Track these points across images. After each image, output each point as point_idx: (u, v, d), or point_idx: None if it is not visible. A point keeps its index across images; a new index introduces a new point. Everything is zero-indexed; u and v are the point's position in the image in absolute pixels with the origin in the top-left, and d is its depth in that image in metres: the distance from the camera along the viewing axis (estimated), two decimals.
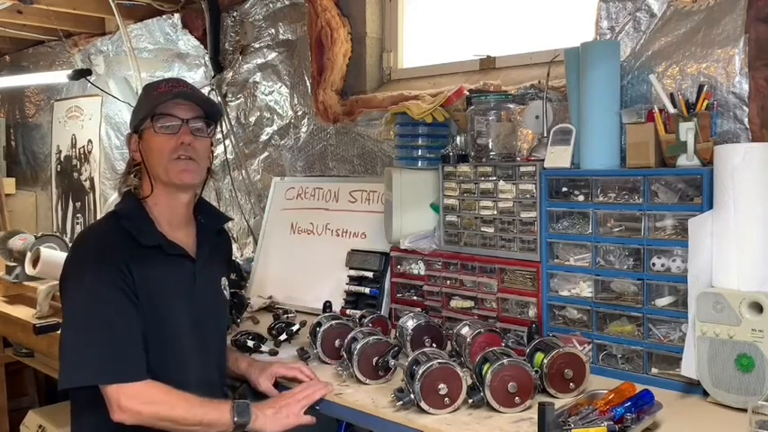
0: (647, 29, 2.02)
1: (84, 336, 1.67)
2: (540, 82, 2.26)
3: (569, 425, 1.40)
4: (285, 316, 2.53)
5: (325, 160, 3.07)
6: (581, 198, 1.89)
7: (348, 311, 2.44)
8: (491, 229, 2.09)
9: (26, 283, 3.46)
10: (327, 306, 2.23)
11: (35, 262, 3.24)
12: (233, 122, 3.48)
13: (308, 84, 3.09)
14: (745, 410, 1.41)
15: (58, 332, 2.60)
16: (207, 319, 1.86)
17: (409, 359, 1.70)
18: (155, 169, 1.80)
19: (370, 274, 2.51)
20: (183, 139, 1.80)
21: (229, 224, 3.26)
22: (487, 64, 2.59)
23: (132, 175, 1.85)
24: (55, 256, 3.26)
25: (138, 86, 3.73)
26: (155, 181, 1.81)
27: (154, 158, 1.80)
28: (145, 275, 1.72)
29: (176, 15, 3.68)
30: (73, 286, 1.73)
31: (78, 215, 4.57)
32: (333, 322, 2.04)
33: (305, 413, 1.75)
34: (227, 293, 1.98)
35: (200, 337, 1.83)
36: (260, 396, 1.89)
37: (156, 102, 1.80)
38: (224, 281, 1.98)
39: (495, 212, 2.07)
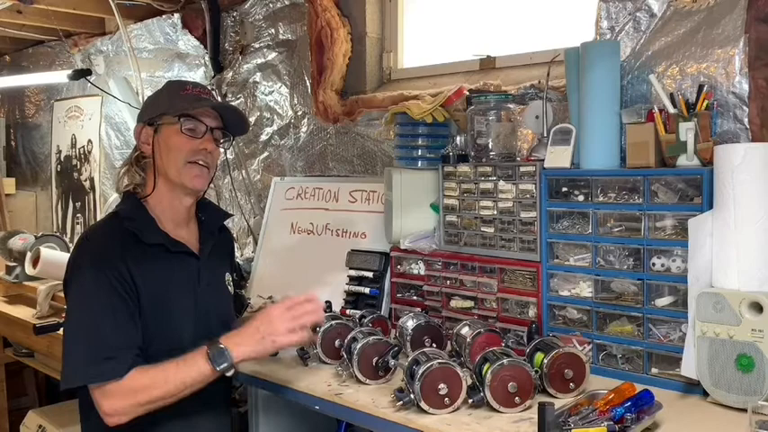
0: (647, 29, 2.02)
1: (78, 337, 1.68)
2: (540, 82, 2.26)
3: (569, 425, 1.40)
4: None
5: (326, 160, 3.07)
6: (581, 198, 1.89)
7: (348, 311, 2.44)
8: (491, 229, 2.09)
9: (26, 283, 3.47)
10: (327, 306, 2.23)
11: (35, 262, 3.25)
12: None
13: (308, 84, 3.09)
14: (745, 410, 1.41)
15: (58, 332, 2.61)
16: (212, 316, 1.87)
17: (409, 359, 1.70)
18: (166, 167, 1.80)
19: (370, 274, 2.51)
20: (205, 145, 1.82)
21: (229, 224, 3.27)
22: (487, 64, 2.59)
23: (137, 168, 1.84)
24: (55, 256, 3.26)
25: (139, 86, 3.74)
26: (160, 177, 1.81)
27: (170, 156, 1.80)
28: (148, 275, 1.73)
29: (176, 15, 3.68)
30: (72, 288, 1.74)
31: (78, 215, 4.57)
32: (333, 322, 2.04)
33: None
34: (231, 289, 1.99)
35: (205, 333, 1.84)
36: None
37: (188, 103, 1.80)
38: (228, 276, 1.98)
39: (495, 212, 2.07)
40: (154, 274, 1.74)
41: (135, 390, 1.64)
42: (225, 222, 2.10)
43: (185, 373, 1.65)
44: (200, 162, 1.82)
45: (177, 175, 1.80)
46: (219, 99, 3.41)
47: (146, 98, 2.02)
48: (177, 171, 1.80)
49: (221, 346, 1.67)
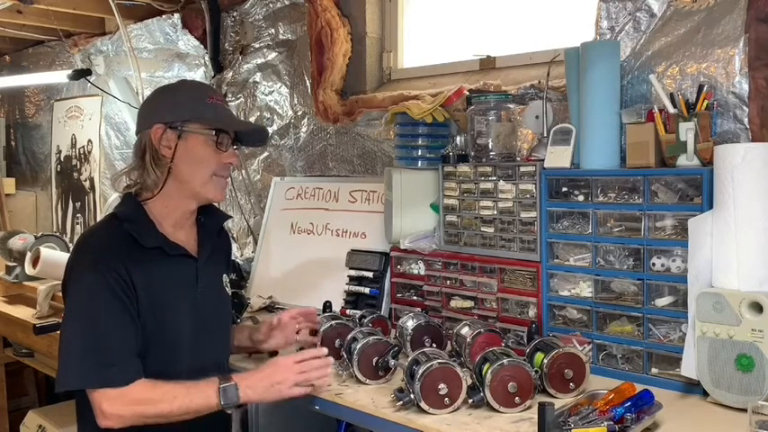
0: (647, 29, 2.02)
1: (77, 340, 1.67)
2: (540, 82, 2.26)
3: (569, 425, 1.40)
4: None
5: (326, 160, 3.07)
6: (581, 198, 1.89)
7: (348, 311, 2.44)
8: (491, 229, 2.09)
9: (26, 283, 3.46)
10: (327, 306, 2.23)
11: (35, 262, 3.25)
12: None
13: (308, 84, 3.09)
14: (745, 410, 1.41)
15: (58, 332, 2.61)
16: (211, 318, 1.87)
17: (409, 359, 1.71)
18: (189, 176, 1.78)
19: (370, 274, 2.51)
20: (231, 159, 1.84)
21: (229, 224, 3.27)
22: (487, 64, 2.59)
23: (154, 169, 1.78)
24: (55, 256, 3.26)
25: (139, 86, 3.73)
26: (173, 181, 1.78)
27: (196, 167, 1.78)
28: (146, 277, 1.72)
29: (176, 15, 3.68)
30: (72, 290, 1.73)
31: (78, 215, 4.57)
32: (333, 322, 2.04)
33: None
34: (228, 290, 1.99)
35: (204, 335, 1.84)
36: None
37: (221, 116, 1.82)
38: (225, 278, 1.98)
39: (495, 212, 2.07)
40: (152, 277, 1.74)
41: (140, 400, 1.65)
42: (224, 225, 2.09)
43: (193, 397, 1.67)
44: (225, 175, 1.83)
45: (201, 186, 1.79)
46: None
47: (155, 94, 1.92)
48: (202, 183, 1.79)
49: (233, 383, 1.70)
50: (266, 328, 2.04)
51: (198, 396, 1.67)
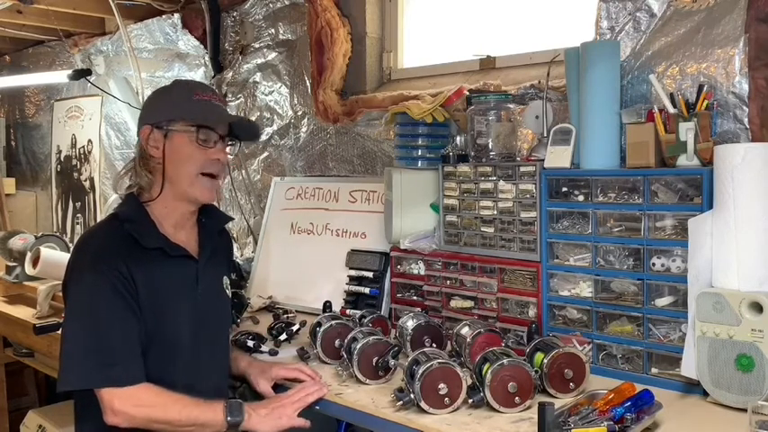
0: (647, 29, 2.02)
1: (80, 339, 1.67)
2: (540, 82, 2.26)
3: (569, 425, 1.40)
4: (285, 316, 2.54)
5: (326, 160, 3.07)
6: (581, 198, 1.89)
7: (348, 311, 2.44)
8: (491, 229, 2.09)
9: (26, 283, 3.46)
10: (327, 306, 2.23)
11: (35, 262, 3.25)
12: None
13: (308, 84, 3.09)
14: (745, 410, 1.41)
15: (58, 332, 2.61)
16: (211, 319, 1.86)
17: (409, 359, 1.71)
18: (177, 176, 1.78)
19: (370, 274, 2.51)
20: (218, 156, 1.81)
21: (229, 224, 3.26)
22: (487, 64, 2.59)
23: (144, 170, 1.79)
24: (55, 256, 3.26)
25: (139, 86, 3.74)
26: (168, 184, 1.78)
27: (182, 166, 1.77)
28: (147, 277, 1.72)
29: (176, 15, 3.68)
30: (73, 289, 1.72)
31: (78, 215, 4.57)
32: (333, 322, 2.04)
33: (299, 415, 1.76)
34: (228, 292, 1.99)
35: (204, 336, 1.84)
36: (259, 397, 1.89)
37: (204, 112, 1.78)
38: (225, 280, 1.98)
39: (495, 212, 2.07)
40: (153, 277, 1.74)
41: (151, 403, 1.67)
42: (225, 226, 2.09)
43: (200, 410, 1.68)
44: (213, 173, 1.81)
45: (189, 185, 1.78)
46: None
47: (149, 96, 1.94)
48: (189, 182, 1.78)
49: (239, 401, 1.72)
50: (264, 386, 1.93)
51: (206, 409, 1.69)
